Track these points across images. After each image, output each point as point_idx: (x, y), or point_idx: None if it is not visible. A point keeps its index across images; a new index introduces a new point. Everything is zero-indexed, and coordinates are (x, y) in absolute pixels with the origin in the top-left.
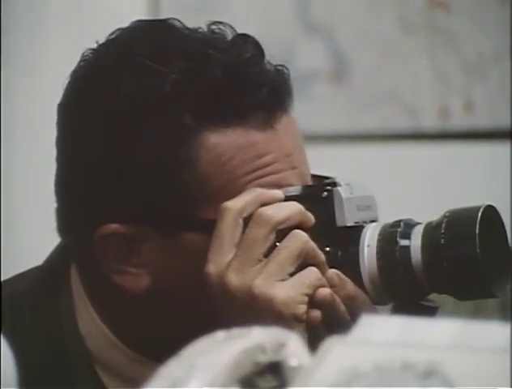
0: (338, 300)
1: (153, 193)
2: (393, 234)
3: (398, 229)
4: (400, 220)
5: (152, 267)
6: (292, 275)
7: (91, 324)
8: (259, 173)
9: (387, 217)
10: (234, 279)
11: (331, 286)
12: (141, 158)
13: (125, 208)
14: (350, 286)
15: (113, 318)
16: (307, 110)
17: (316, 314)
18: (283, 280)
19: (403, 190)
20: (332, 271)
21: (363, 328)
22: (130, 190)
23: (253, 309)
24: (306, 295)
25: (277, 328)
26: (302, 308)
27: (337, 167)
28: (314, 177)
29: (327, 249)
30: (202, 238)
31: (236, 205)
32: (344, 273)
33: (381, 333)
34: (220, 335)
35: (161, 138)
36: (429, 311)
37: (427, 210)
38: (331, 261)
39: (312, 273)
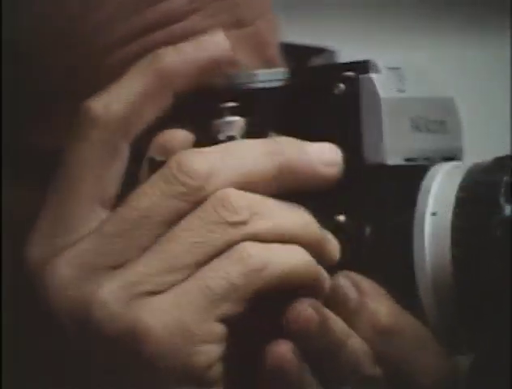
0: (340, 325)
1: None
2: (491, 190)
3: (504, 178)
4: (509, 157)
5: None
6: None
7: None
8: (159, 36)
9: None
10: (67, 272)
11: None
12: None
13: None
14: (381, 305)
15: None
16: None
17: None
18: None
19: None
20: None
21: None
22: None
23: (104, 348)
24: (221, 319)
25: None
26: (209, 352)
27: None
28: (299, 48)
29: (340, 218)
30: (36, 190)
31: (111, 104)
32: (376, 274)
33: None
34: None
35: None
36: None
37: None
38: (348, 248)
39: (238, 254)
